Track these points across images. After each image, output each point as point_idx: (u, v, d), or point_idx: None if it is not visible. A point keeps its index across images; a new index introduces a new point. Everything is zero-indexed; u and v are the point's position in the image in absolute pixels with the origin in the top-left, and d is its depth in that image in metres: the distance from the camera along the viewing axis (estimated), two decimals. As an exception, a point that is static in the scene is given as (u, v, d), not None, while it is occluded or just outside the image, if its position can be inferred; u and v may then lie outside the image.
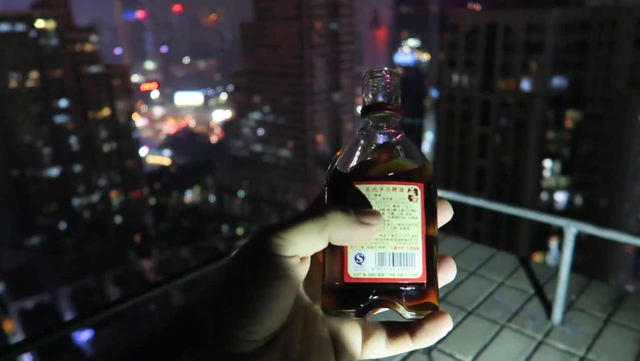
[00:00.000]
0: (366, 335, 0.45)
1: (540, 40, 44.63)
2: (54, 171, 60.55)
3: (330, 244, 0.43)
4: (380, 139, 0.46)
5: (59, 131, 60.28)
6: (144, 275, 54.44)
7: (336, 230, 0.41)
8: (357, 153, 0.46)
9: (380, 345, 0.45)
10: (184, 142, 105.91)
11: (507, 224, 48.22)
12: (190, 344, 0.38)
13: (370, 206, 0.43)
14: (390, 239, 0.43)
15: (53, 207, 60.50)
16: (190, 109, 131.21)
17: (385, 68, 0.48)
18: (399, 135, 0.47)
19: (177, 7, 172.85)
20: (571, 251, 3.22)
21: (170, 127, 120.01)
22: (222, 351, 0.38)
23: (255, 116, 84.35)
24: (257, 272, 0.39)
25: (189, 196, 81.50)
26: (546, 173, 48.95)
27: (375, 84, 0.47)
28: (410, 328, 0.43)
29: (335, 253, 0.44)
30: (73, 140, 61.72)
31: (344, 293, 0.43)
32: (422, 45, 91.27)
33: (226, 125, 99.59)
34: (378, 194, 0.44)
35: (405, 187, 0.44)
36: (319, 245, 0.42)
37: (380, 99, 0.46)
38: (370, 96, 0.47)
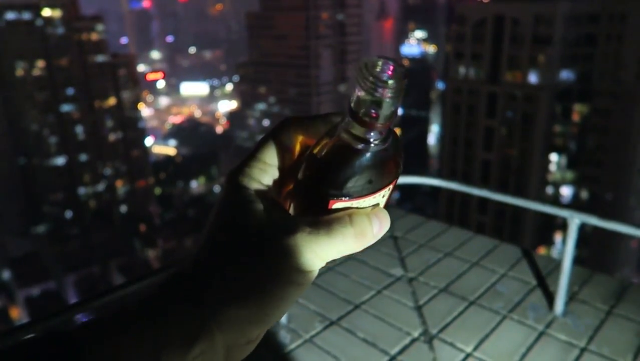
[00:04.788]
0: None
1: (549, 32, 44.22)
2: (60, 160, 60.83)
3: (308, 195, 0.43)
4: (369, 153, 0.40)
5: (65, 120, 60.47)
6: (149, 264, 54.79)
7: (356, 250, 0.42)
8: (344, 165, 0.40)
9: None
10: (190, 132, 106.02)
11: (511, 217, 48.11)
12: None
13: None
14: None
15: (59, 196, 60.86)
16: (196, 99, 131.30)
17: (391, 65, 0.37)
18: (386, 145, 0.40)
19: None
20: (574, 243, 3.21)
21: (175, 117, 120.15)
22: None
23: (261, 106, 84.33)
24: (279, 290, 0.39)
25: (194, 186, 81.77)
26: (552, 167, 48.73)
27: (378, 87, 0.36)
28: None
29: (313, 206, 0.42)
30: (79, 129, 61.93)
31: None
32: (429, 37, 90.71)
33: (231, 115, 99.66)
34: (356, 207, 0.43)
35: (380, 194, 0.43)
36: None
37: (372, 113, 0.38)
38: (366, 97, 0.37)
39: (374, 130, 0.38)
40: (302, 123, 0.44)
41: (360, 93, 0.37)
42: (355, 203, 0.41)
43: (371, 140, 0.39)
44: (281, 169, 0.44)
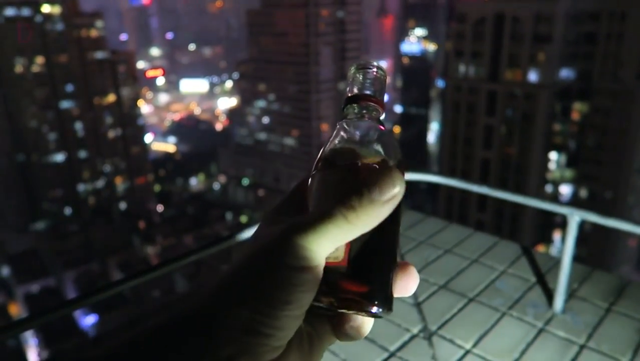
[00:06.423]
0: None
1: (549, 31, 44.20)
2: (59, 157, 60.77)
3: None
4: (361, 130, 0.45)
5: (64, 117, 60.39)
6: (148, 261, 54.79)
7: (365, 228, 0.39)
8: (338, 144, 0.45)
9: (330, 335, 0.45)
10: (189, 129, 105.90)
11: (510, 215, 48.15)
12: (210, 347, 0.37)
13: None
14: None
15: (58, 192, 60.82)
16: (196, 96, 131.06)
17: (374, 63, 0.48)
18: (381, 128, 0.46)
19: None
20: (574, 240, 3.20)
21: (175, 114, 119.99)
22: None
23: (261, 104, 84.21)
24: (279, 280, 0.37)
25: (194, 183, 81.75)
26: (551, 165, 48.75)
27: (362, 78, 0.47)
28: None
29: None
30: (78, 126, 61.86)
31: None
32: (429, 34, 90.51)
33: (231, 113, 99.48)
34: None
35: None
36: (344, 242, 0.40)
37: (366, 92, 0.47)
38: (355, 90, 0.47)
39: (358, 102, 0.46)
40: None
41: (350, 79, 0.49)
42: None
43: (353, 113, 0.47)
44: None
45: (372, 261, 0.41)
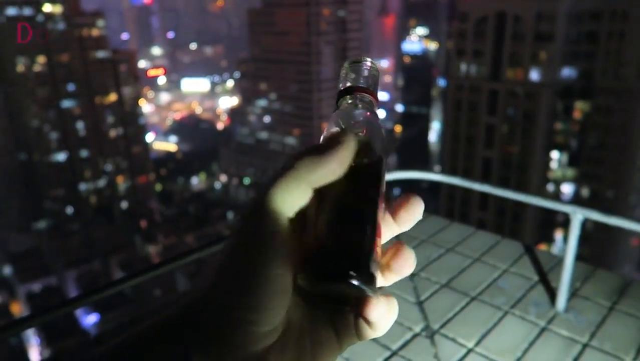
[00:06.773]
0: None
1: (551, 29, 44.11)
2: (61, 156, 60.85)
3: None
4: (347, 116, 0.46)
5: (65, 116, 60.45)
6: (150, 260, 54.83)
7: (312, 173, 0.38)
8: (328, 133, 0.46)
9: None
10: (190, 128, 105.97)
11: (512, 214, 48.11)
12: (198, 346, 0.36)
13: None
14: None
15: (60, 191, 60.90)
16: (197, 96, 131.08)
17: (367, 58, 0.49)
18: (367, 114, 0.47)
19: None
20: (577, 238, 3.19)
21: (176, 113, 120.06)
22: (234, 354, 0.36)
23: (262, 103, 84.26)
24: (249, 251, 0.36)
25: (195, 182, 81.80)
26: (553, 164, 48.69)
27: (355, 73, 0.48)
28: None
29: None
30: (80, 125, 61.92)
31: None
32: (431, 33, 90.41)
33: (232, 112, 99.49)
34: None
35: None
36: (304, 198, 0.39)
37: (359, 85, 0.48)
38: (349, 84, 0.48)
39: (351, 93, 0.47)
40: None
41: (344, 73, 0.50)
42: None
43: (348, 98, 0.47)
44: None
45: (344, 231, 0.39)
